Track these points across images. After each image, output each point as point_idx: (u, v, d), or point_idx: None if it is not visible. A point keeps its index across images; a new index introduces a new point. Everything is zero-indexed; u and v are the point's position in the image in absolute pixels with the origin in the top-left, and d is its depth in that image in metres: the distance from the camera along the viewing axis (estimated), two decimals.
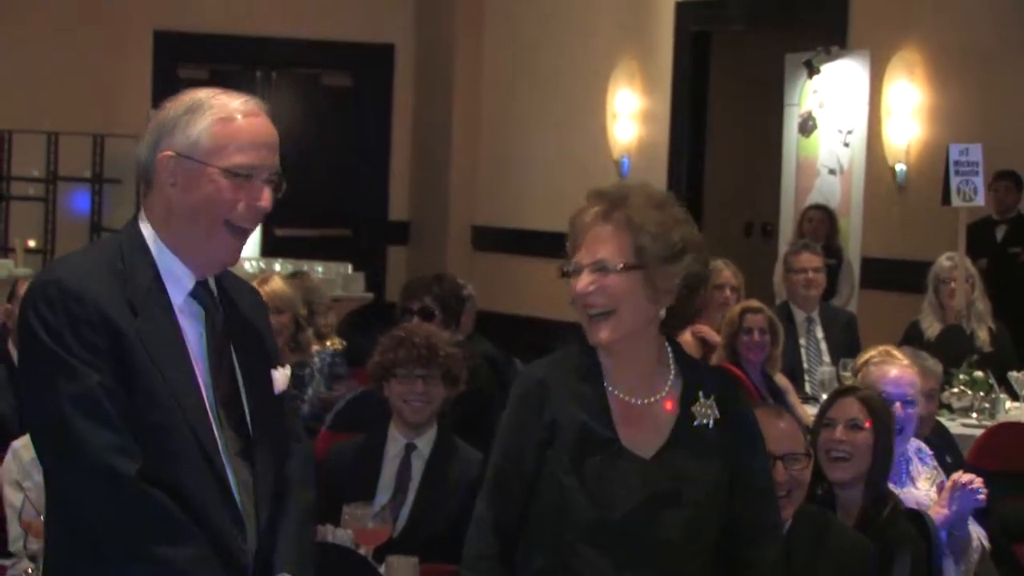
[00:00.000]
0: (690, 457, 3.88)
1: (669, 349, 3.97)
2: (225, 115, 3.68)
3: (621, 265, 3.78)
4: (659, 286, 3.79)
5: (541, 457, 3.90)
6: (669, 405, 3.94)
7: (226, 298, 3.81)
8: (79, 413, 3.50)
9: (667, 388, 3.93)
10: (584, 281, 3.81)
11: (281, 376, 3.82)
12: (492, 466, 4.03)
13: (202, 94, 3.72)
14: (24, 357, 3.73)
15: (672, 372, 3.96)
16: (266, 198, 3.70)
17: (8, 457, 6.84)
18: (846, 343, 10.09)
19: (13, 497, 6.59)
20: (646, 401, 3.90)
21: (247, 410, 3.73)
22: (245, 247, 13.57)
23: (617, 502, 3.85)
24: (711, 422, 3.90)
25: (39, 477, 4.04)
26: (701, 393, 3.92)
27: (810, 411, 8.06)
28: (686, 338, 8.79)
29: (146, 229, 3.71)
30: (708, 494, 3.89)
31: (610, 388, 3.89)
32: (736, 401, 4.02)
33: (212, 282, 3.77)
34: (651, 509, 3.86)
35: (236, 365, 3.76)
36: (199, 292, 3.72)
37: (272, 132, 3.78)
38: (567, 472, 3.86)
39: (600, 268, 3.80)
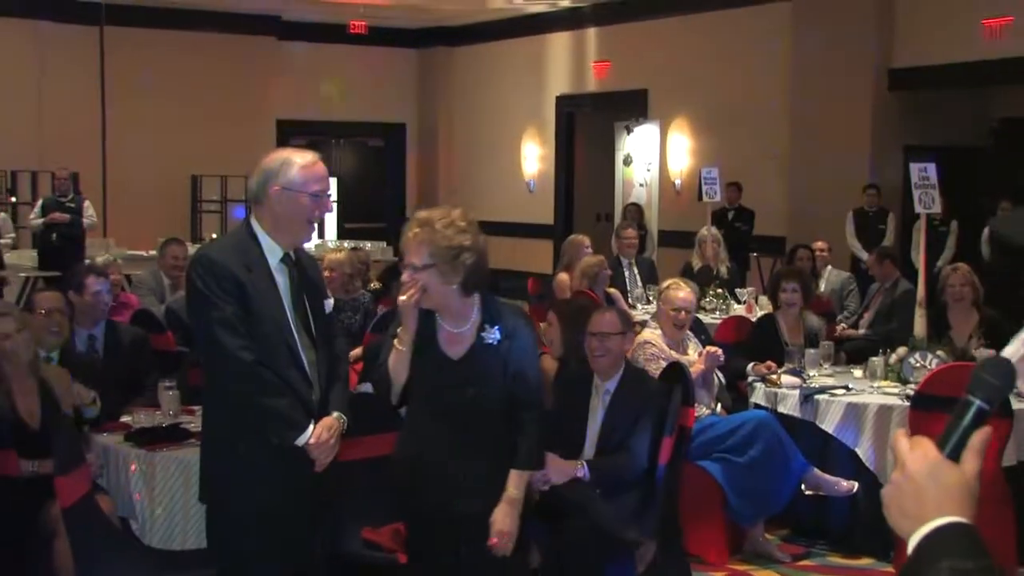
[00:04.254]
0: (479, 360, 3.60)
1: (477, 299, 3.63)
2: (305, 164, 3.59)
3: (421, 265, 3.48)
4: (447, 275, 3.48)
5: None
6: (471, 332, 3.63)
7: (300, 263, 3.69)
8: (220, 328, 3.46)
9: (470, 322, 3.61)
10: (405, 275, 3.54)
11: (328, 304, 3.71)
12: (380, 366, 3.71)
13: (285, 153, 3.65)
14: (190, 299, 3.63)
15: (476, 312, 3.62)
16: (328, 205, 3.68)
17: None
18: (650, 276, 10.02)
19: None
20: (457, 330, 3.61)
21: (312, 323, 3.64)
22: (329, 234, 14.88)
23: (441, 383, 3.60)
24: (495, 341, 3.60)
25: None
26: (487, 324, 3.60)
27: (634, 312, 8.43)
28: (561, 277, 9.22)
29: (255, 225, 3.61)
30: (489, 381, 3.59)
31: (440, 322, 3.60)
32: (516, 328, 3.66)
33: (292, 254, 3.66)
34: (457, 387, 3.58)
35: (306, 299, 3.66)
36: (285, 259, 3.63)
37: (326, 171, 3.71)
38: (418, 368, 3.59)
39: (413, 268, 3.49)
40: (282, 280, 3.62)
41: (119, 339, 5.96)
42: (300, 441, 3.53)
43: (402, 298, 3.52)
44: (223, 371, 3.53)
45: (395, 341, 3.58)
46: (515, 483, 3.61)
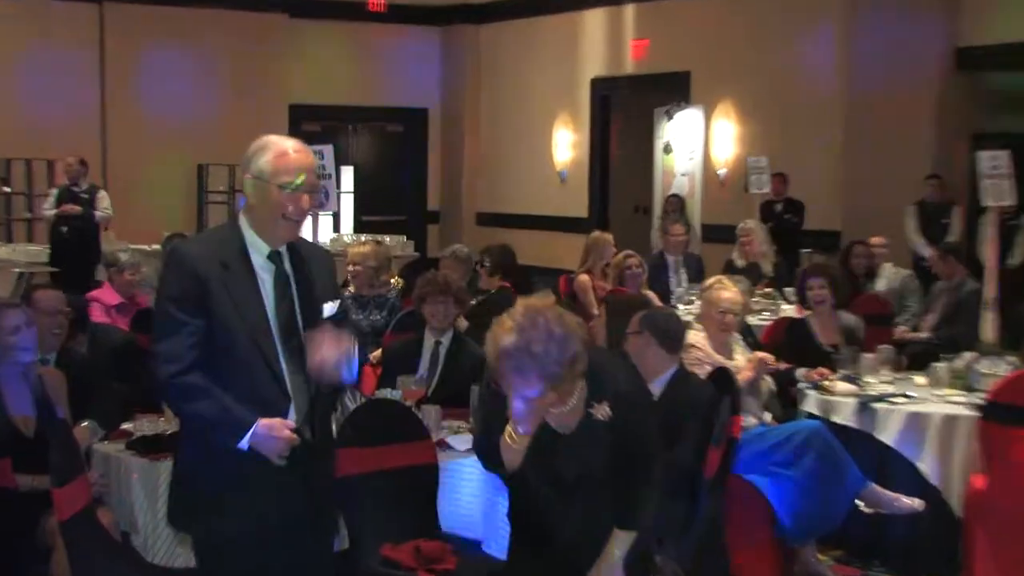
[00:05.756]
0: (588, 436, 3.61)
1: (584, 379, 3.60)
2: (279, 152, 3.52)
3: (537, 396, 3.42)
4: (565, 386, 3.48)
5: None
6: (578, 406, 3.61)
7: (298, 259, 3.60)
8: (159, 331, 3.47)
9: (574, 399, 3.60)
10: (518, 406, 3.47)
11: (328, 307, 3.58)
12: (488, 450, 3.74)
13: (267, 138, 3.58)
14: None
15: (581, 387, 3.59)
16: (305, 201, 3.52)
17: None
18: (698, 274, 9.95)
19: None
20: (563, 409, 3.59)
21: (300, 326, 3.54)
22: (345, 227, 14.78)
23: (551, 458, 3.62)
24: (605, 415, 3.57)
25: None
26: (595, 400, 3.58)
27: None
28: (582, 279, 9.40)
29: (242, 219, 3.57)
30: (599, 455, 3.60)
31: None
32: (625, 398, 3.63)
33: (284, 249, 3.57)
34: (567, 462, 3.61)
35: (296, 299, 3.56)
36: (272, 256, 3.54)
37: (310, 161, 3.59)
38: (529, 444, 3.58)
39: (527, 399, 3.43)
40: (268, 279, 3.55)
41: (104, 343, 6.00)
42: (244, 443, 3.43)
43: (520, 430, 3.49)
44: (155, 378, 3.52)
45: (507, 436, 3.54)
46: (617, 543, 3.63)
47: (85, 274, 11.62)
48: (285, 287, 3.56)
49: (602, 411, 3.57)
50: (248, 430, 3.42)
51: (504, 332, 3.45)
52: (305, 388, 3.54)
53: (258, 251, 3.55)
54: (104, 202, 12.76)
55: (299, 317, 3.57)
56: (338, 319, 3.68)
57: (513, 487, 3.80)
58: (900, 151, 12.12)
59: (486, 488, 4.76)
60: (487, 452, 3.68)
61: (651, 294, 9.08)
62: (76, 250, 12.21)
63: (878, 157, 12.26)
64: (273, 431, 3.44)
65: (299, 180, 3.52)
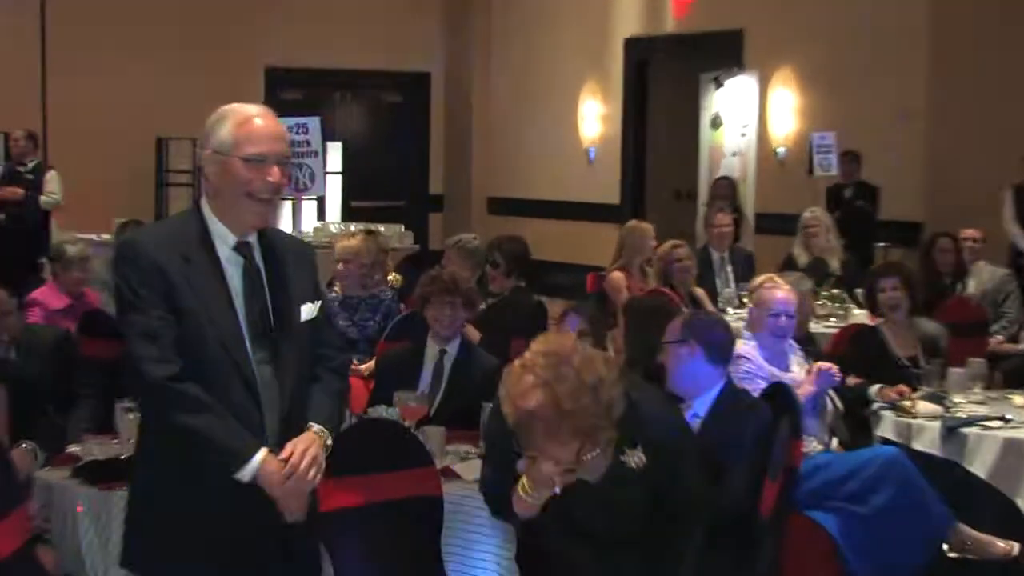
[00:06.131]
0: (619, 484, 3.65)
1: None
2: (241, 120, 3.57)
3: (574, 459, 3.48)
4: (601, 436, 3.54)
5: None
6: (608, 450, 3.65)
7: (271, 251, 3.67)
8: (134, 333, 3.49)
9: (603, 445, 3.61)
10: (550, 469, 3.52)
11: (307, 309, 3.65)
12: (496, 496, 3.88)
13: (228, 107, 3.65)
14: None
15: (611, 431, 3.62)
16: (275, 174, 3.57)
17: None
18: (748, 273, 9.96)
19: None
20: (589, 456, 3.58)
21: (273, 328, 3.62)
22: (331, 215, 14.80)
23: (574, 509, 3.70)
24: (639, 463, 3.61)
25: None
26: (627, 446, 3.63)
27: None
28: (615, 276, 9.49)
29: (203, 205, 3.63)
30: (631, 507, 3.67)
31: None
32: (663, 443, 3.70)
33: (255, 240, 3.65)
34: (592, 514, 3.70)
35: (268, 298, 3.62)
36: (240, 247, 3.60)
37: (278, 129, 3.66)
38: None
39: (560, 461, 3.50)
40: (235, 274, 3.61)
41: (36, 347, 5.98)
42: (245, 473, 3.47)
43: (558, 490, 3.52)
44: (134, 385, 3.59)
45: (521, 489, 3.59)
46: None
47: (27, 270, 11.62)
48: (256, 283, 3.62)
49: (635, 458, 3.62)
50: (249, 459, 3.45)
51: (525, 390, 3.46)
52: (278, 405, 3.59)
53: (223, 241, 3.60)
54: (52, 185, 12.81)
55: (271, 315, 3.63)
56: (318, 324, 3.74)
57: (526, 532, 3.91)
58: (995, 125, 12.10)
59: (497, 525, 4.76)
60: (497, 503, 3.75)
61: (701, 292, 9.34)
62: (17, 241, 12.24)
63: (968, 132, 12.25)
64: (301, 463, 3.50)
65: (266, 150, 3.57)
